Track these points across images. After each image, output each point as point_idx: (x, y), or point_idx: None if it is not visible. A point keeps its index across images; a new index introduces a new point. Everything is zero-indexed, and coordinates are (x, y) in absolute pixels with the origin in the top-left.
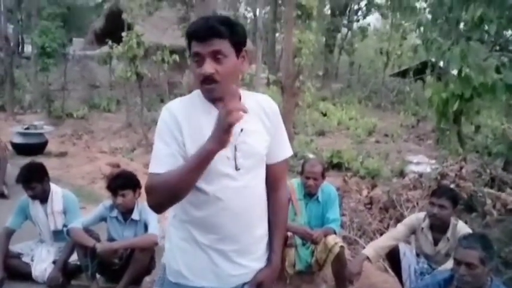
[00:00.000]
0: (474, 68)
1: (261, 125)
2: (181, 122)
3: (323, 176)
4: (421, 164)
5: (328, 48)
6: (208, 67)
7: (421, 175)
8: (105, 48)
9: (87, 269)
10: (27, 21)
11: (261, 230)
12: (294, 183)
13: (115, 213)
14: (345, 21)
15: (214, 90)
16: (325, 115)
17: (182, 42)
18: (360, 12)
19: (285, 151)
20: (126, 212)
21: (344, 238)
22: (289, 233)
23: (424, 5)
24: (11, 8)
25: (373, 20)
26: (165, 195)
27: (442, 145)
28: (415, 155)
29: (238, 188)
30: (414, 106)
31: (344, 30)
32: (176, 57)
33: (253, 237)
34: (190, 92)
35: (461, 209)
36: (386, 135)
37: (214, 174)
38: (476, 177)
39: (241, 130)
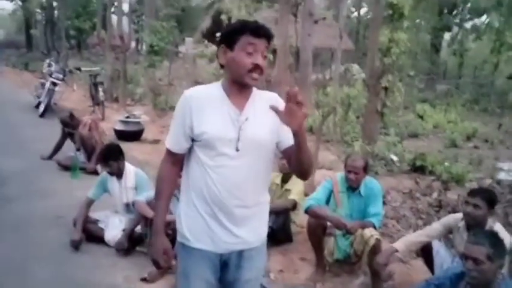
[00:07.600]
0: None
1: (268, 117)
2: (193, 108)
3: (365, 171)
4: None
5: (434, 48)
6: (261, 59)
7: (498, 182)
8: (201, 48)
9: (146, 237)
10: (147, 21)
11: (255, 206)
12: (337, 176)
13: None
14: (457, 20)
15: (258, 80)
16: (421, 117)
17: (276, 41)
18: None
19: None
20: None
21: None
22: (328, 223)
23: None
24: (133, 9)
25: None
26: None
27: None
28: None
29: (235, 166)
30: None
31: (455, 29)
32: (270, 56)
33: (245, 212)
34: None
35: None
36: (486, 141)
37: (216, 153)
38: None
39: (246, 119)
